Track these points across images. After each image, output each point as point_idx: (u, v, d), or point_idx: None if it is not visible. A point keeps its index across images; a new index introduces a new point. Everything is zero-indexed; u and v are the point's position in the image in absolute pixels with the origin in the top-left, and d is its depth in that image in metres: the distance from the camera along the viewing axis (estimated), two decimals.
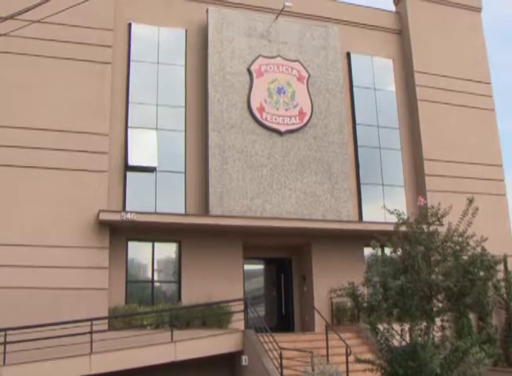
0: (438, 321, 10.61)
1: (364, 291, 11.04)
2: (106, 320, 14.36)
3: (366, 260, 14.13)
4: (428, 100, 20.12)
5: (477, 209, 10.58)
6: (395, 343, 10.56)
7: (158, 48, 17.79)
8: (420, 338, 10.22)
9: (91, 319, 13.12)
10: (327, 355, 13.65)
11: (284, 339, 13.88)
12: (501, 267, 14.87)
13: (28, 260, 14.28)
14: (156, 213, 15.95)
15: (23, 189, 14.91)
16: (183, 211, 16.66)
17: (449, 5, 21.64)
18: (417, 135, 19.92)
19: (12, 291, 13.91)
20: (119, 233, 15.71)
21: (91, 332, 13.01)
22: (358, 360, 10.62)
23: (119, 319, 14.74)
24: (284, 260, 19.02)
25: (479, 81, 21.03)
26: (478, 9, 22.35)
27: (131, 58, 17.42)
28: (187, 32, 18.24)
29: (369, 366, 10.48)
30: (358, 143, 19.34)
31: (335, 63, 19.32)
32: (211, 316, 15.28)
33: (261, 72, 18.31)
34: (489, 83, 21.36)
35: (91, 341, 12.96)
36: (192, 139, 17.45)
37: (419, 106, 20.02)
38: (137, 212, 15.22)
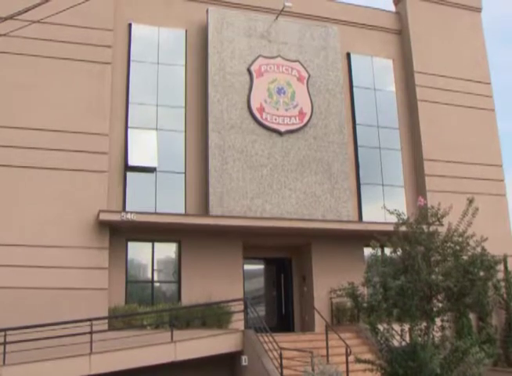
0: (437, 321, 10.62)
1: (364, 291, 11.05)
2: (106, 320, 14.35)
3: (366, 260, 14.14)
4: (428, 100, 20.13)
5: (477, 209, 10.58)
6: (395, 343, 10.56)
7: (158, 48, 17.80)
8: (419, 338, 10.23)
9: (91, 320, 13.12)
10: (327, 355, 13.65)
11: (284, 339, 13.89)
12: (501, 267, 14.87)
13: (28, 260, 14.28)
14: (156, 213, 15.96)
15: (24, 190, 14.91)
16: (183, 212, 16.66)
17: (449, 5, 21.64)
18: (417, 136, 19.92)
19: (12, 291, 13.92)
20: (119, 233, 15.71)
21: (91, 332, 13.01)
22: (358, 360, 10.63)
23: (119, 320, 14.74)
24: (284, 260, 19.02)
25: (479, 82, 21.04)
26: (478, 9, 22.36)
27: (131, 58, 17.43)
28: (187, 32, 18.25)
29: (369, 366, 10.49)
30: (358, 143, 19.35)
31: (335, 64, 19.32)
32: (211, 316, 15.28)
33: (261, 72, 18.32)
34: (489, 83, 21.36)
35: (91, 342, 12.96)
36: (193, 139, 17.46)
37: (419, 106, 20.02)
38: (137, 212, 15.22)
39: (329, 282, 17.11)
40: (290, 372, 12.42)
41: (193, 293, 15.76)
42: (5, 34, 10.99)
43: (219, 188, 16.82)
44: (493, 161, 20.36)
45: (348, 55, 20.02)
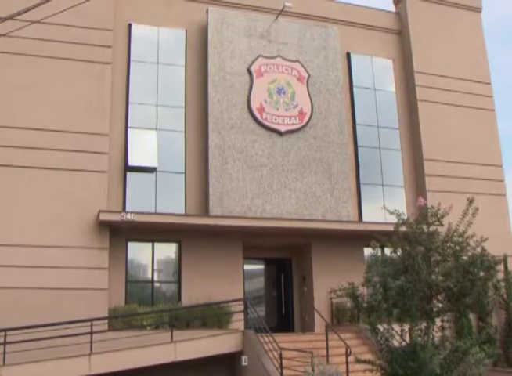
0: (437, 321, 10.61)
1: (364, 291, 11.05)
2: (106, 321, 14.35)
3: (366, 260, 14.13)
4: (428, 100, 20.13)
5: (477, 209, 10.57)
6: (395, 343, 10.55)
7: (158, 48, 17.80)
8: (419, 339, 10.22)
9: (91, 320, 13.12)
10: (327, 355, 13.65)
11: (284, 339, 13.88)
12: (501, 267, 14.89)
13: (28, 260, 14.28)
14: (156, 213, 15.96)
15: (24, 190, 14.91)
16: (183, 212, 16.66)
17: (449, 6, 21.64)
18: (417, 136, 19.92)
19: (12, 291, 13.91)
20: (119, 233, 15.70)
21: (91, 332, 13.01)
22: (358, 361, 10.62)
23: (119, 320, 14.73)
24: (284, 260, 19.02)
25: (479, 82, 21.04)
26: (478, 10, 22.36)
27: (131, 58, 17.43)
28: (187, 32, 18.24)
29: (369, 366, 10.48)
30: (358, 143, 19.35)
31: (335, 64, 19.32)
32: (211, 317, 15.27)
33: (261, 72, 18.31)
34: (489, 83, 21.37)
35: (91, 342, 12.96)
36: (192, 139, 17.45)
37: (419, 106, 20.02)
38: (137, 212, 15.22)
39: (329, 282, 17.10)
40: (290, 372, 12.41)
41: (193, 293, 15.76)
42: (5, 34, 10.98)
43: (219, 188, 16.82)
44: (493, 161, 20.36)
45: (348, 55, 20.02)
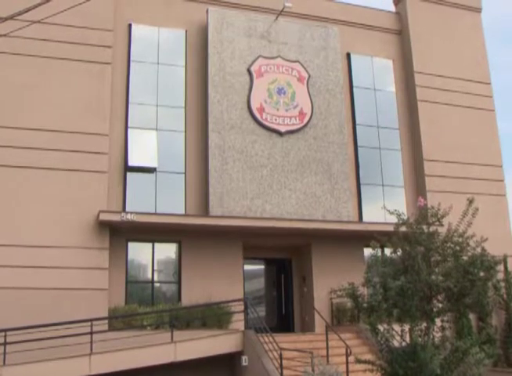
0: (438, 321, 10.61)
1: (364, 291, 11.04)
2: (106, 321, 14.35)
3: (366, 260, 14.13)
4: (428, 101, 20.13)
5: (477, 209, 10.57)
6: (395, 344, 10.55)
7: (158, 48, 17.80)
8: (420, 339, 10.21)
9: (91, 320, 13.12)
10: (327, 355, 13.66)
11: (284, 340, 13.88)
12: (501, 267, 14.88)
13: (28, 260, 14.28)
14: (156, 214, 15.96)
15: (24, 190, 14.91)
16: (183, 212, 16.66)
17: (449, 6, 21.64)
18: (417, 136, 19.92)
19: (12, 291, 13.91)
20: (119, 233, 15.70)
21: (91, 332, 13.01)
22: (359, 361, 10.62)
23: (119, 320, 14.73)
24: (284, 260, 19.01)
25: (479, 82, 21.04)
26: (478, 10, 22.36)
27: (131, 58, 17.43)
28: (187, 32, 18.24)
29: (370, 366, 10.48)
30: (358, 144, 19.35)
31: (335, 64, 19.32)
32: (211, 317, 15.27)
33: (261, 72, 18.31)
34: (489, 83, 21.37)
35: (92, 342, 12.96)
36: (192, 139, 17.45)
37: (419, 106, 20.03)
38: (137, 213, 15.22)
39: (329, 282, 17.10)
40: (290, 372, 12.41)
41: (193, 293, 15.76)
42: (5, 35, 10.98)
43: (219, 188, 16.82)
44: (493, 162, 20.36)
45: (348, 55, 20.02)
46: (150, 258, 16.49)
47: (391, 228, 11.00)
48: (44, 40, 15.72)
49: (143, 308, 15.23)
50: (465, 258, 10.38)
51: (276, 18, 18.83)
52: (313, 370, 11.80)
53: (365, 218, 18.43)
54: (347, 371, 12.42)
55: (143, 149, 16.73)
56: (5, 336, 12.35)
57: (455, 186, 18.92)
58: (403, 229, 10.79)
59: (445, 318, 10.65)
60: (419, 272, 10.12)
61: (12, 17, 9.33)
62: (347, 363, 12.50)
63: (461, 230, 10.50)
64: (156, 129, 17.11)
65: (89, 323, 13.04)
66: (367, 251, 15.91)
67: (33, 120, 15.35)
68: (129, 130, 16.80)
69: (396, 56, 20.88)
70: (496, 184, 20.12)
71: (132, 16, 17.72)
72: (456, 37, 21.28)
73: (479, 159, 20.04)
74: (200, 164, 17.29)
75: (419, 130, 19.86)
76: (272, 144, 17.82)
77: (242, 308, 14.94)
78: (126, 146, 16.61)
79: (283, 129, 18.00)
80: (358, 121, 19.58)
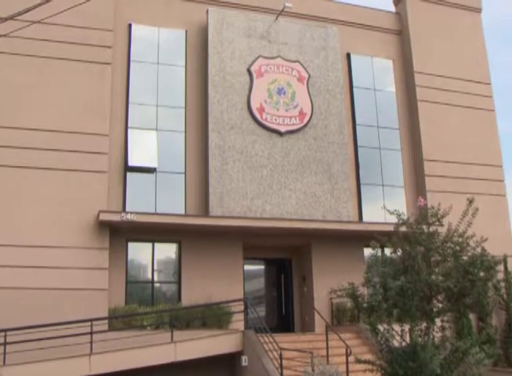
0: (438, 322, 10.61)
1: (364, 291, 11.04)
2: (106, 321, 14.35)
3: (366, 260, 14.13)
4: (428, 101, 20.13)
5: (477, 210, 10.57)
6: (395, 344, 10.55)
7: (158, 48, 17.80)
8: (420, 339, 10.22)
9: (91, 320, 13.12)
10: (327, 355, 13.66)
11: (284, 340, 13.88)
12: (501, 267, 14.89)
13: (28, 261, 14.28)
14: (156, 214, 15.96)
15: (23, 190, 14.91)
16: (183, 212, 16.66)
17: (449, 6, 21.64)
18: (417, 136, 19.93)
19: (12, 291, 13.91)
20: (119, 233, 15.70)
21: (91, 332, 13.01)
22: (359, 361, 10.62)
23: (119, 320, 14.73)
24: (284, 260, 19.02)
25: (479, 82, 21.04)
26: (478, 10, 22.36)
27: (131, 58, 17.43)
28: (187, 33, 18.25)
29: (370, 366, 10.48)
30: (358, 144, 19.35)
31: (335, 64, 19.33)
32: (211, 317, 15.27)
33: (261, 73, 18.32)
34: (489, 83, 21.37)
35: (92, 342, 12.96)
36: (192, 139, 17.46)
37: (419, 106, 20.03)
38: (137, 213, 15.22)
39: (329, 282, 17.10)
40: (290, 372, 12.42)
41: (193, 293, 15.76)
42: (5, 35, 10.98)
43: (219, 188, 16.82)
44: (493, 162, 20.37)
45: (348, 55, 20.02)
46: (150, 258, 16.49)
47: (391, 228, 11.00)
48: (43, 40, 15.72)
49: (143, 308, 15.23)
50: (465, 258, 10.38)
51: (276, 18, 18.84)
52: (313, 370, 11.81)
53: (365, 218, 18.44)
54: (347, 371, 12.42)
55: (143, 149, 16.73)
56: (5, 336, 12.35)
57: (455, 186, 18.92)
58: (403, 229, 10.79)
59: (445, 318, 10.65)
60: (419, 272, 10.12)
61: (12, 17, 9.33)
62: (347, 363, 12.50)
63: (461, 230, 10.50)
64: (156, 129, 17.11)
65: (89, 323, 13.04)
66: (367, 251, 15.92)
67: (32, 120, 15.35)
68: (129, 130, 16.80)
69: (396, 56, 20.88)
70: (496, 184, 20.12)
71: (132, 16, 17.72)
72: (456, 37, 21.29)
73: (479, 159, 20.04)
74: (200, 164, 17.29)
75: (419, 130, 19.87)
76: (272, 144, 17.82)
77: (242, 308, 14.94)
78: (126, 146, 16.61)
79: (283, 129, 18.01)
80: (358, 121, 19.59)
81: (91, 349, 12.93)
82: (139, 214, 15.23)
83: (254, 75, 18.16)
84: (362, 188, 18.97)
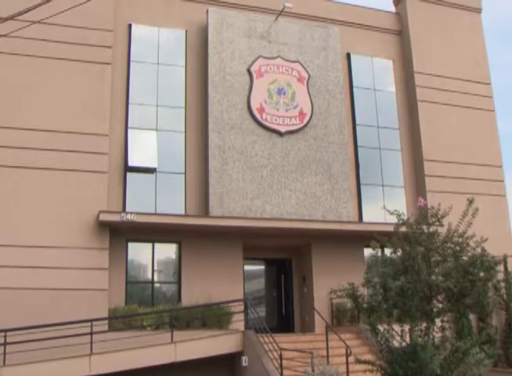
0: (438, 322, 10.60)
1: (364, 291, 11.04)
2: (106, 321, 14.35)
3: (366, 261, 14.13)
4: (428, 101, 20.13)
5: (477, 210, 10.57)
6: (395, 344, 10.55)
7: (158, 48, 17.80)
8: (420, 339, 10.21)
9: (91, 320, 13.12)
10: (327, 355, 13.65)
11: (284, 340, 13.88)
12: (501, 268, 14.88)
13: (28, 261, 14.27)
14: (156, 214, 15.96)
15: (24, 190, 14.91)
16: (183, 212, 16.66)
17: (449, 6, 21.64)
18: (417, 136, 19.93)
19: (12, 291, 13.91)
20: (119, 233, 15.70)
21: (91, 333, 13.01)
22: (359, 361, 10.62)
23: (119, 320, 14.73)
24: (284, 261, 19.01)
25: (479, 82, 21.05)
26: (478, 10, 22.36)
27: (131, 58, 17.43)
28: (187, 33, 18.24)
29: (370, 366, 10.47)
30: (358, 144, 19.35)
31: (335, 64, 19.32)
32: (211, 317, 15.27)
33: (261, 73, 18.31)
34: (489, 83, 21.37)
35: (92, 342, 12.96)
36: (192, 139, 17.45)
37: (419, 106, 20.03)
38: (137, 213, 15.22)
39: (329, 283, 17.10)
40: (290, 373, 12.42)
41: (193, 294, 15.76)
42: (5, 35, 10.98)
43: (219, 189, 16.82)
44: (493, 162, 20.37)
45: (348, 55, 20.02)
46: (150, 258, 16.49)
47: (391, 228, 11.00)
48: (43, 40, 15.72)
49: (143, 308, 15.22)
50: (465, 258, 10.38)
51: (276, 18, 18.83)
52: (313, 370, 11.80)
53: (365, 219, 18.43)
54: (348, 371, 12.41)
55: (143, 149, 16.73)
56: (5, 336, 12.35)
57: (455, 186, 18.92)
58: (403, 229, 10.79)
59: (445, 318, 10.65)
60: (419, 272, 10.12)
61: (12, 17, 9.33)
62: (347, 363, 12.50)
63: (461, 230, 10.49)
64: (156, 129, 17.11)
65: (89, 324, 13.04)
66: (367, 252, 15.93)
67: (31, 120, 15.34)
68: (129, 130, 16.80)
69: (396, 56, 20.88)
70: (496, 184, 20.12)
71: (132, 16, 17.72)
72: (456, 37, 21.29)
73: (479, 159, 20.04)
74: (200, 164, 17.29)
75: (419, 130, 19.86)
76: (272, 144, 17.82)
77: (242, 308, 14.94)
78: (126, 146, 16.61)
79: (283, 129, 18.00)
80: (358, 121, 19.58)
81: (91, 350, 12.93)
82: (139, 214, 15.23)
83: (254, 75, 18.16)
84: (362, 188, 18.96)
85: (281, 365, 12.38)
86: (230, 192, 16.89)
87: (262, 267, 19.60)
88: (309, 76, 18.84)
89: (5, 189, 14.79)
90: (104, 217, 15.01)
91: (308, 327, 17.61)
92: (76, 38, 16.12)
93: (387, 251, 11.02)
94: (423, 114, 20.00)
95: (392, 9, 21.85)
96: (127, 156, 16.47)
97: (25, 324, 12.77)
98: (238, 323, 14.91)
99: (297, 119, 18.25)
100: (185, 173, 17.09)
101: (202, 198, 17.00)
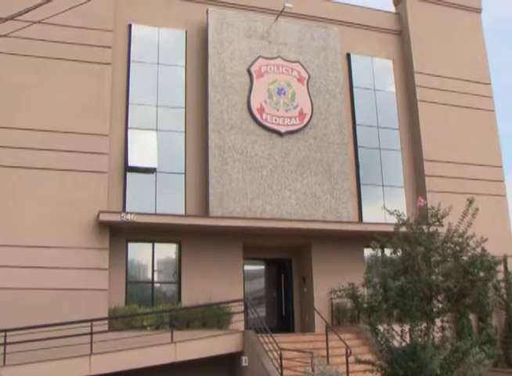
0: (438, 322, 10.61)
1: (364, 291, 11.04)
2: (107, 321, 14.35)
3: (366, 261, 14.13)
4: (428, 101, 20.13)
5: (477, 210, 10.57)
6: (395, 344, 10.55)
7: (158, 49, 17.80)
8: (420, 339, 10.21)
9: (91, 320, 13.12)
10: (327, 355, 13.65)
11: (284, 340, 13.88)
12: (501, 268, 14.88)
13: (28, 261, 14.27)
14: (156, 214, 15.96)
15: (24, 190, 14.91)
16: (183, 212, 16.66)
17: (449, 6, 21.64)
18: (417, 136, 19.93)
19: (12, 291, 13.91)
20: (119, 233, 15.70)
21: (91, 333, 13.01)
22: (359, 361, 10.62)
23: (119, 320, 14.73)
24: (284, 261, 19.01)
25: (479, 82, 21.05)
26: (478, 10, 22.37)
27: (131, 59, 17.43)
28: (187, 33, 18.25)
29: (370, 366, 10.47)
30: (358, 144, 19.35)
31: (335, 64, 19.33)
32: (211, 317, 15.27)
33: (261, 73, 18.32)
34: (489, 83, 21.37)
35: (92, 342, 12.96)
36: (192, 139, 17.45)
37: (419, 106, 20.03)
38: (137, 213, 15.22)
39: (329, 283, 17.10)
40: (290, 373, 12.42)
41: (193, 294, 15.76)
42: (5, 35, 10.98)
43: (219, 189, 16.82)
44: (493, 162, 20.37)
45: (348, 55, 20.02)
46: (150, 258, 16.49)
47: (391, 228, 11.00)
48: (43, 40, 15.72)
49: (143, 308, 15.23)
50: (465, 258, 10.38)
51: (276, 18, 18.83)
52: (313, 370, 11.80)
53: (365, 219, 18.43)
54: (348, 371, 12.41)
55: (143, 149, 16.73)
56: (5, 336, 12.35)
57: (455, 186, 18.92)
58: (403, 229, 10.79)
59: (445, 318, 10.65)
60: (419, 272, 10.12)
61: (12, 17, 9.32)
62: (347, 363, 12.50)
63: (461, 230, 10.49)
64: (156, 129, 17.11)
65: (89, 324, 13.04)
66: (367, 252, 15.93)
67: (31, 120, 15.34)
68: (129, 130, 16.81)
69: (396, 56, 20.88)
70: (496, 184, 20.12)
71: (132, 17, 17.72)
72: (456, 37, 21.30)
73: (479, 159, 20.04)
74: (200, 164, 17.29)
75: (419, 130, 19.86)
76: (272, 144, 17.82)
77: (242, 308, 14.93)
78: (126, 146, 16.62)
79: (283, 130, 18.01)
80: (358, 122, 19.59)
81: (92, 350, 12.93)
82: (139, 214, 15.23)
83: (254, 75, 18.17)
84: (362, 188, 18.97)
85: (281, 365, 12.38)
86: (230, 192, 16.89)
87: (262, 267, 19.60)
88: (309, 76, 18.84)
89: (6, 190, 14.79)
90: (104, 217, 15.01)
91: (308, 327, 17.61)
92: (76, 38, 16.13)
93: (387, 251, 11.02)
94: (423, 114, 20.01)
95: (392, 9, 21.86)
96: (127, 156, 16.47)
97: (25, 324, 12.78)
98: (238, 323, 14.91)
99: (297, 119, 18.26)
100: (185, 173, 17.09)
101: (202, 198, 17.01)
